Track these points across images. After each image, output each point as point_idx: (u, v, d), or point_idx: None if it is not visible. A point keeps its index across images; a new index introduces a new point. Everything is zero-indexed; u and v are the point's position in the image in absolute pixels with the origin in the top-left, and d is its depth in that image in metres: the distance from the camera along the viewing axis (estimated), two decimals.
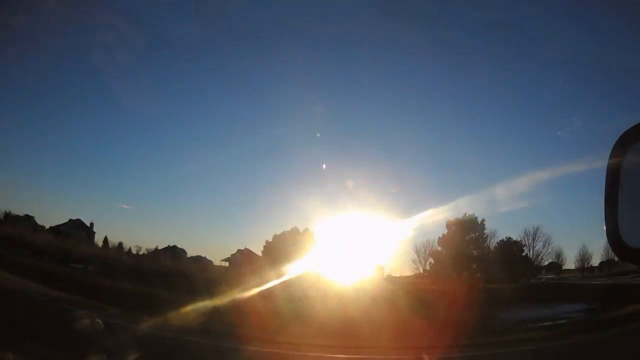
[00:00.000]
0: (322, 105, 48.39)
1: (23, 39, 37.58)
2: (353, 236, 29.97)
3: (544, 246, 36.82)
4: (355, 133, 53.24)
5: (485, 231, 31.30)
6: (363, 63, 49.75)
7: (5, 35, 31.55)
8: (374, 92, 51.62)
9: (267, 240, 32.61)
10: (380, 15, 43.42)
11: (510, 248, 32.31)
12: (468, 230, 30.47)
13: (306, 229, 31.78)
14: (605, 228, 1.51)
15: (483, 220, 30.99)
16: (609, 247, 1.51)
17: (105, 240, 35.78)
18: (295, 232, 32.36)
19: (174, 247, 40.64)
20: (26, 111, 49.64)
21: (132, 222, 53.25)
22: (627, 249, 1.45)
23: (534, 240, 36.53)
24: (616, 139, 1.56)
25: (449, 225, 30.29)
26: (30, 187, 48.29)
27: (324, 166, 42.18)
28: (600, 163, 1.56)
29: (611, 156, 1.56)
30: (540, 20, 41.25)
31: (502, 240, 32.48)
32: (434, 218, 37.82)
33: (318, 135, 45.78)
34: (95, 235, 38.09)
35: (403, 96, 54.12)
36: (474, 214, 30.62)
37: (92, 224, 38.22)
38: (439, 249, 30.59)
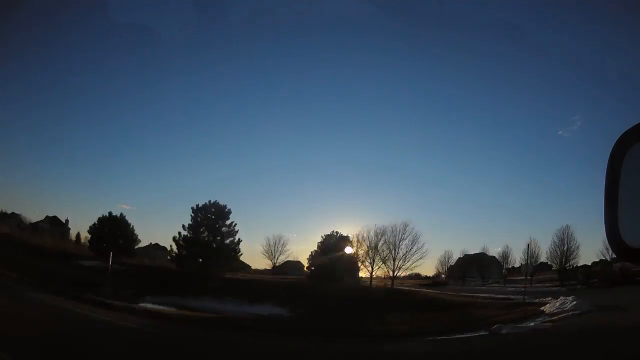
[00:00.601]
0: (320, 104, 48.35)
1: (21, 37, 36.88)
2: None
3: (412, 243, 35.50)
4: (355, 133, 53.77)
5: (230, 220, 29.70)
6: (363, 62, 50.20)
7: (4, 33, 30.74)
8: (374, 91, 52.15)
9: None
10: (380, 15, 43.83)
11: (336, 244, 30.53)
12: (212, 217, 29.41)
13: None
14: (605, 228, 1.50)
15: (229, 209, 29.72)
16: (609, 247, 1.50)
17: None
18: None
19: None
20: (28, 115, 49.47)
21: (133, 221, 53.31)
22: (627, 249, 1.45)
23: (401, 237, 35.16)
24: (616, 139, 1.56)
25: (194, 211, 29.43)
26: (33, 188, 51.65)
27: (323, 166, 42.37)
28: (600, 162, 1.54)
29: (611, 156, 1.55)
30: (541, 21, 42.21)
31: (328, 234, 31.40)
32: (434, 219, 37.97)
33: (317, 136, 46.16)
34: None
35: (404, 96, 54.75)
36: (217, 201, 29.61)
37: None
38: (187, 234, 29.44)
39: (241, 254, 30.76)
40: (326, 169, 55.91)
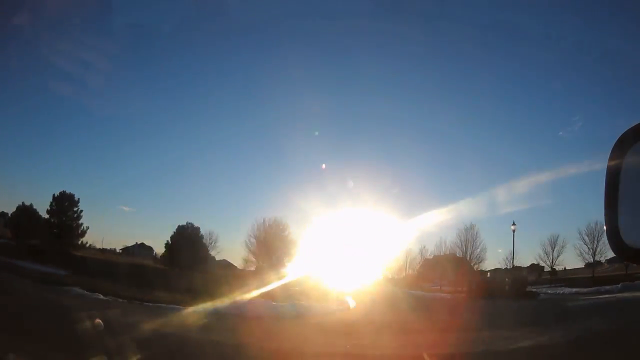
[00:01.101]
0: (320, 104, 47.71)
1: (19, 35, 35.73)
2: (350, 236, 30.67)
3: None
4: (354, 132, 53.01)
5: (77, 208, 35.74)
6: (363, 62, 49.30)
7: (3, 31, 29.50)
8: (374, 91, 51.44)
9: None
10: (380, 15, 43.26)
11: (188, 234, 35.10)
12: (65, 205, 35.43)
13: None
14: (605, 228, 1.51)
15: (78, 198, 35.68)
16: (610, 247, 1.51)
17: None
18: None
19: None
20: (26, 116, 47.94)
21: (132, 223, 53.60)
22: (627, 249, 1.45)
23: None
24: (616, 139, 1.56)
25: (53, 199, 35.43)
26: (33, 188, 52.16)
27: (324, 166, 42.14)
28: (601, 163, 1.52)
29: (611, 156, 1.55)
30: (541, 20, 42.02)
31: (182, 225, 35.65)
32: (434, 219, 37.67)
33: (316, 133, 45.70)
34: None
35: (404, 96, 54.15)
36: (68, 192, 35.70)
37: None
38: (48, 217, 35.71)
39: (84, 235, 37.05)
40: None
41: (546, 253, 40.73)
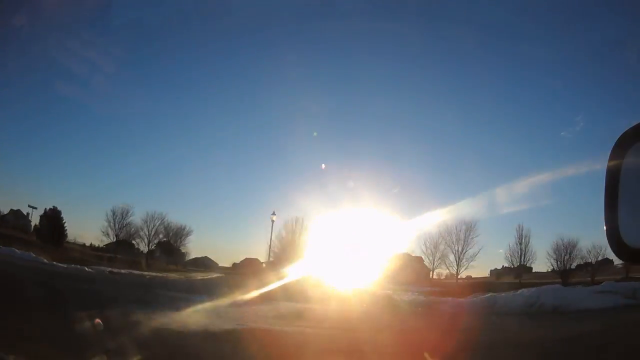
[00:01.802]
0: (320, 104, 47.43)
1: (19, 37, 35.12)
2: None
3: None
4: (355, 133, 52.86)
5: None
6: (364, 63, 49.19)
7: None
8: (375, 92, 51.18)
9: None
10: (381, 15, 43.04)
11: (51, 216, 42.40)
12: None
13: None
14: (605, 228, 1.50)
15: None
16: (610, 248, 1.50)
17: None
18: None
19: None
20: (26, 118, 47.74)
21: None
22: (627, 250, 1.44)
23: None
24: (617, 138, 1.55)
25: None
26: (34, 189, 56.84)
27: (323, 166, 42.00)
28: (601, 164, 1.51)
29: (611, 156, 1.54)
30: (543, 20, 41.93)
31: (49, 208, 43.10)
32: (435, 220, 37.45)
33: (315, 134, 45.56)
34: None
35: (404, 97, 53.91)
36: None
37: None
38: None
39: None
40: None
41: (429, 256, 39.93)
